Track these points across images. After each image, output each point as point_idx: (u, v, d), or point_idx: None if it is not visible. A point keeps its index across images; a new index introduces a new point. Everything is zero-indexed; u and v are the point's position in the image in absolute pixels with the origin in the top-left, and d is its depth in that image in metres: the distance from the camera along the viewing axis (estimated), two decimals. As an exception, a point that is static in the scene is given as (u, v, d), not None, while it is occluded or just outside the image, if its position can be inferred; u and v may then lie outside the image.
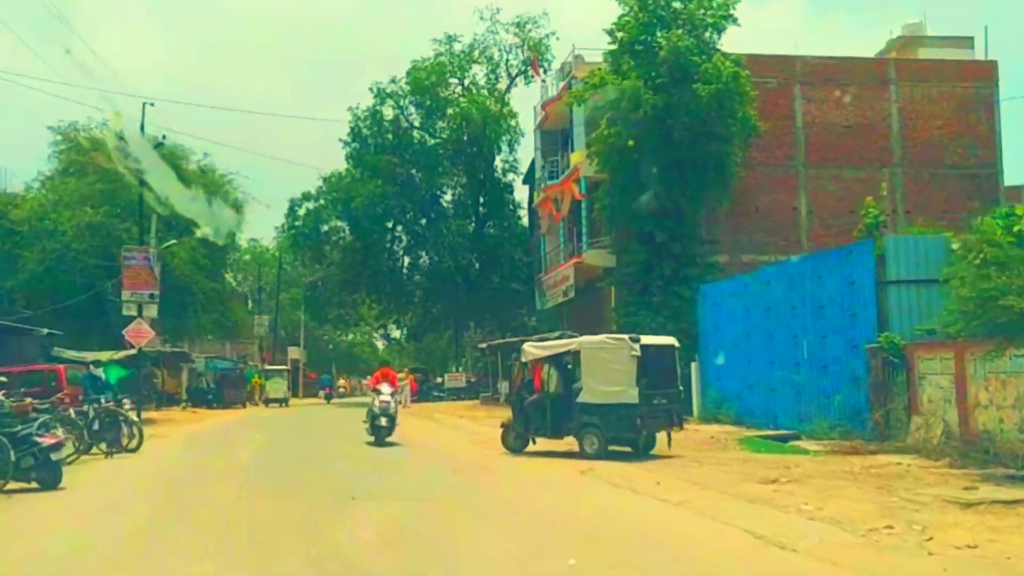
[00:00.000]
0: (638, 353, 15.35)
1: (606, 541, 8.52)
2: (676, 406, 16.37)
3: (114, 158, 35.06)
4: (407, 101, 46.89)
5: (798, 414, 19.39)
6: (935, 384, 15.52)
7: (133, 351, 33.94)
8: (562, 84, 37.94)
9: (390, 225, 47.47)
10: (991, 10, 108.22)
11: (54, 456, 12.73)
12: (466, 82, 48.24)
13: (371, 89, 46.16)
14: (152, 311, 26.54)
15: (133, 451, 18.04)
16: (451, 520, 9.72)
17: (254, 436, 23.39)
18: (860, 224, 20.98)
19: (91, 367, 20.28)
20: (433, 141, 47.83)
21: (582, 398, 15.76)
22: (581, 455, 15.54)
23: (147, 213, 35.76)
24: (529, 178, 50.02)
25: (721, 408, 22.99)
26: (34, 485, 12.62)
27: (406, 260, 48.17)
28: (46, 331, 29.63)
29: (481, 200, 47.88)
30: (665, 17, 30.09)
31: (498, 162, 49.49)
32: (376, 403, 19.95)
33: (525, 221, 50.94)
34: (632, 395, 15.22)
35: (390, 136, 46.87)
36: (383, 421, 19.68)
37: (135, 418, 19.55)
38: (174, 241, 36.93)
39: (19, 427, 12.65)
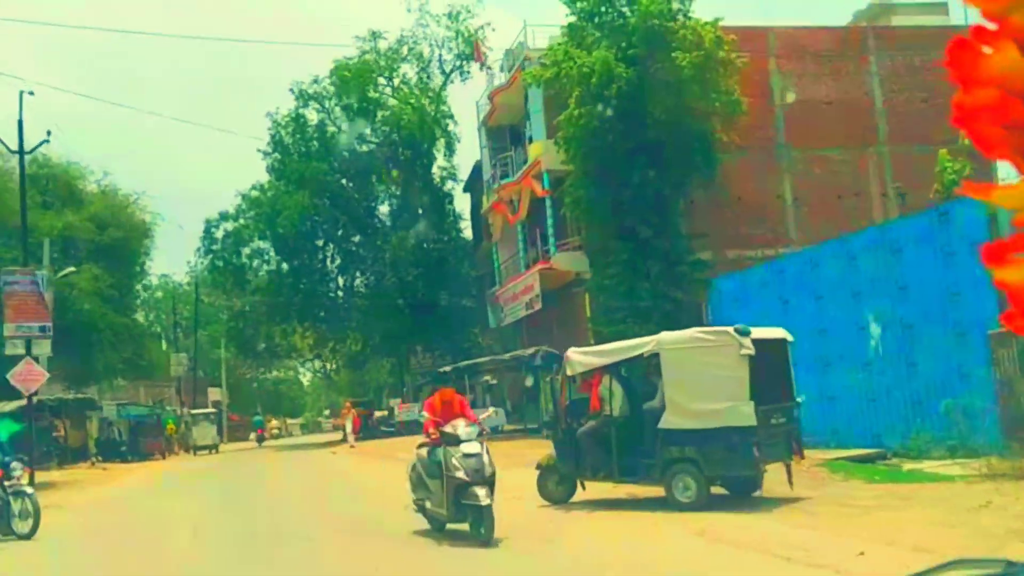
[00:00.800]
0: (751, 351, 10.63)
1: None
2: (795, 427, 11.91)
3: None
4: (332, 103, 42.28)
5: (876, 426, 15.52)
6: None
7: (23, 401, 28.89)
8: (513, 70, 33.93)
9: (320, 243, 42.61)
10: None
11: None
12: (395, 82, 43.91)
13: (291, 90, 41.50)
14: (44, 348, 21.39)
15: (27, 536, 13.06)
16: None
17: (186, 505, 16.91)
18: (935, 185, 17.28)
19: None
20: (363, 148, 43.27)
21: (667, 422, 11.08)
22: (667, 504, 11.04)
23: (38, 237, 30.51)
24: (471, 185, 45.88)
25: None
26: None
27: (340, 281, 43.23)
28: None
29: (420, 211, 43.42)
30: (627, -19, 26.44)
31: (435, 170, 45.19)
32: (453, 460, 10.33)
33: (469, 233, 46.70)
34: (745, 414, 10.54)
35: (315, 144, 42.18)
36: (481, 495, 10.04)
37: (29, 488, 14.27)
38: (72, 269, 31.66)
39: None
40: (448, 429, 10.65)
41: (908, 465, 13.30)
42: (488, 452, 10.73)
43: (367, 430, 40.69)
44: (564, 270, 31.33)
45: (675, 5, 28.02)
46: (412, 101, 43.51)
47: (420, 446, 11.09)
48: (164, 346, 59.62)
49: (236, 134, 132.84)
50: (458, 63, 42.79)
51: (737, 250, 30.07)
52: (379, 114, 43.75)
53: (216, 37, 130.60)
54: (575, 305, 31.95)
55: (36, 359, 21.20)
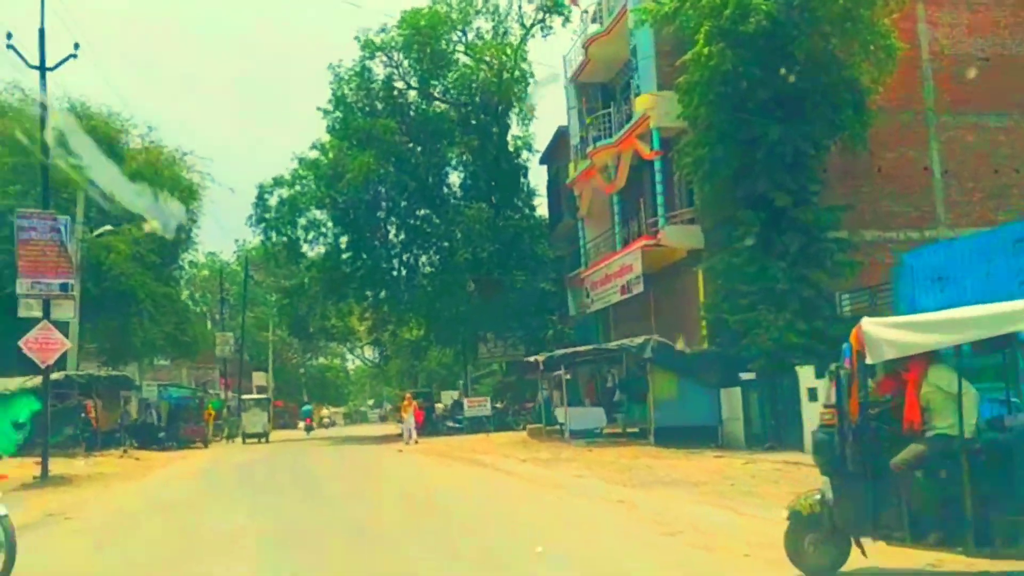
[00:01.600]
0: None
1: None
2: None
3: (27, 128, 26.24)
4: (401, 57, 38.12)
5: None
6: None
7: (56, 375, 25.32)
8: (615, 14, 29.53)
9: (382, 215, 38.53)
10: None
11: None
12: (469, 36, 39.67)
13: (357, 39, 37.33)
14: (66, 310, 17.46)
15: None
16: None
17: (236, 523, 11.66)
18: None
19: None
20: (433, 109, 39.08)
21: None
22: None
23: (70, 192, 26.82)
24: (549, 156, 41.54)
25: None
26: None
27: (404, 258, 39.10)
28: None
29: (492, 183, 39.19)
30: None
31: (508, 138, 40.91)
32: None
33: (543, 210, 42.41)
34: None
35: (380, 102, 38.05)
36: None
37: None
38: (109, 228, 27.93)
39: None
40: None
41: None
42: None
43: (431, 425, 36.62)
44: (674, 246, 26.95)
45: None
46: (487, 59, 39.27)
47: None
48: (209, 326, 56.03)
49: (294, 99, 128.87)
50: (539, 16, 38.42)
51: (876, 231, 25.76)
52: (450, 75, 39.60)
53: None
54: (683, 289, 27.58)
55: (55, 324, 17.26)
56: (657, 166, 27.14)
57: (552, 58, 77.58)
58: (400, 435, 36.25)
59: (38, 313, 17.37)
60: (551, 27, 38.71)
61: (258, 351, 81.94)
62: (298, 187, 39.50)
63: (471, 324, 37.90)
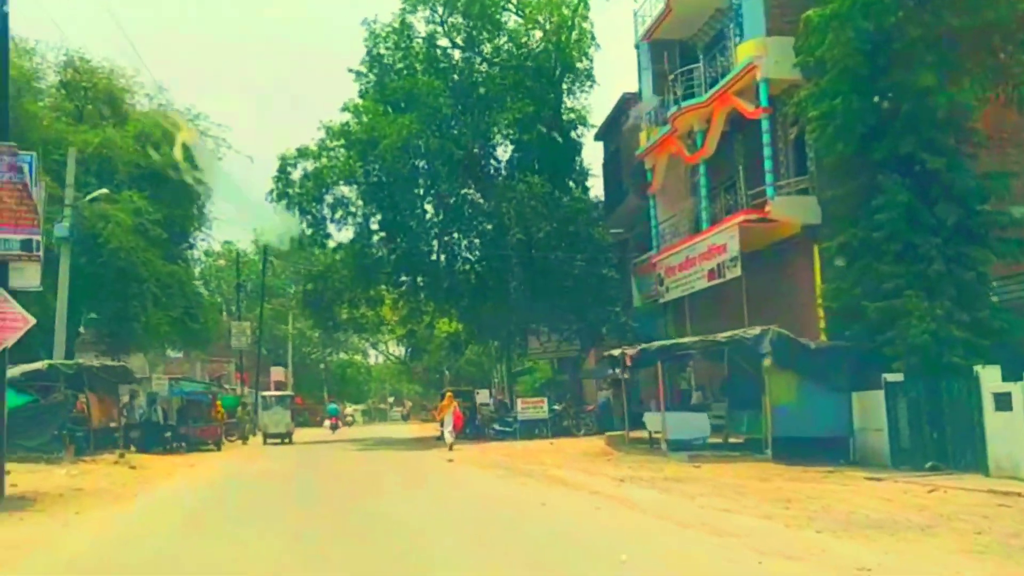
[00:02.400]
0: None
1: None
2: None
3: None
4: (445, 12, 33.74)
5: None
6: None
7: (38, 365, 21.32)
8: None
9: (420, 192, 34.16)
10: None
11: None
12: (524, -9, 35.32)
13: (395, -8, 32.93)
14: (30, 276, 13.14)
15: None
16: None
17: None
18: None
19: None
20: (480, 72, 34.69)
21: None
22: None
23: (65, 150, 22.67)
24: (607, 131, 37.18)
25: None
26: None
27: (446, 239, 34.76)
28: None
29: (544, 159, 34.76)
30: None
31: (562, 110, 36.54)
32: None
33: (598, 191, 38.09)
34: None
35: (421, 65, 33.73)
36: None
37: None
38: (105, 191, 23.78)
39: None
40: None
41: None
42: None
43: (473, 428, 32.31)
44: (784, 221, 22.49)
45: None
46: (541, 19, 34.92)
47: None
48: (224, 317, 51.79)
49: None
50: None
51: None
52: (501, 37, 35.27)
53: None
54: (792, 272, 23.23)
55: (16, 296, 13.00)
56: (764, 125, 22.68)
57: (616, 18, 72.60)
58: (439, 437, 32.24)
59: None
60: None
61: (276, 345, 78.12)
62: (325, 159, 35.25)
63: (520, 315, 33.53)
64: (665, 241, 29.75)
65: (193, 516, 12.88)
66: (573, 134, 36.18)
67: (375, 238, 35.81)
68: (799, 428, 19.00)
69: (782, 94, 22.88)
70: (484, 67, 34.69)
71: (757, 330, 19.01)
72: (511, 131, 35.00)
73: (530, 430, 29.87)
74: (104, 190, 25.06)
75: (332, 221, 36.56)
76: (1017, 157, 21.82)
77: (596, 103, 73.71)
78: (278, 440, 36.76)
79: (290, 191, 35.45)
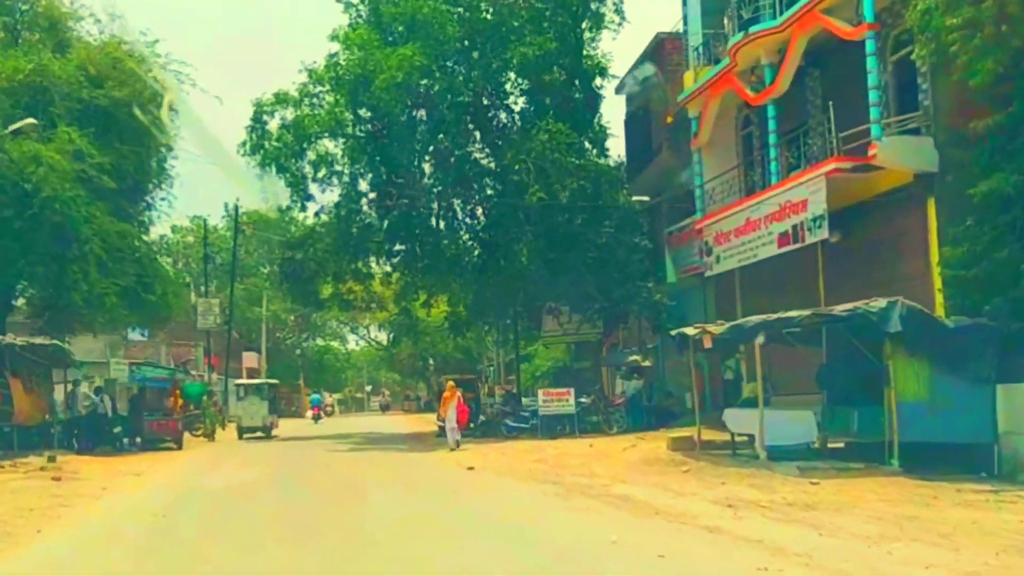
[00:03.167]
0: None
1: None
2: None
3: None
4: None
5: None
6: None
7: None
8: None
9: (419, 145, 29.35)
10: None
11: None
12: None
13: None
14: None
15: None
16: None
17: None
18: None
19: None
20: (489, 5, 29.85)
21: None
22: None
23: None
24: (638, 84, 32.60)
25: None
26: None
27: (452, 202, 30.06)
28: None
29: (559, 112, 30.06)
30: None
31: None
32: None
33: (616, 151, 33.54)
34: None
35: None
36: None
37: None
38: (31, 121, 19.11)
39: None
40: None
41: None
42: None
43: (484, 426, 27.85)
44: (891, 168, 18.04)
45: None
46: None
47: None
48: (193, 298, 46.63)
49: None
50: None
51: None
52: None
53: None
54: (891, 234, 18.86)
55: None
56: (869, 47, 18.18)
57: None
58: (439, 434, 27.88)
59: None
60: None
61: (249, 329, 73.21)
62: (307, 107, 30.44)
63: (535, 291, 28.95)
64: (713, 203, 25.30)
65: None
66: (593, 85, 31.42)
67: (364, 201, 31.12)
68: (932, 431, 14.72)
69: (882, 12, 18.53)
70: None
71: (882, 302, 14.55)
72: (524, 80, 30.30)
73: (551, 427, 25.35)
74: (30, 120, 20.28)
75: (314, 181, 31.84)
76: None
77: (618, 51, 67.45)
78: (255, 435, 32.62)
79: (266, 144, 30.62)
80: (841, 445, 16.77)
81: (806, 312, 14.89)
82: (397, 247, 31.05)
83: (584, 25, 30.82)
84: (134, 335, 52.26)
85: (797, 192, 20.30)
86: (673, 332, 17.52)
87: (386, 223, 30.88)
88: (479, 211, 30.70)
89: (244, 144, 30.61)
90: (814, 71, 21.77)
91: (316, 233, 31.59)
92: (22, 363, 20.27)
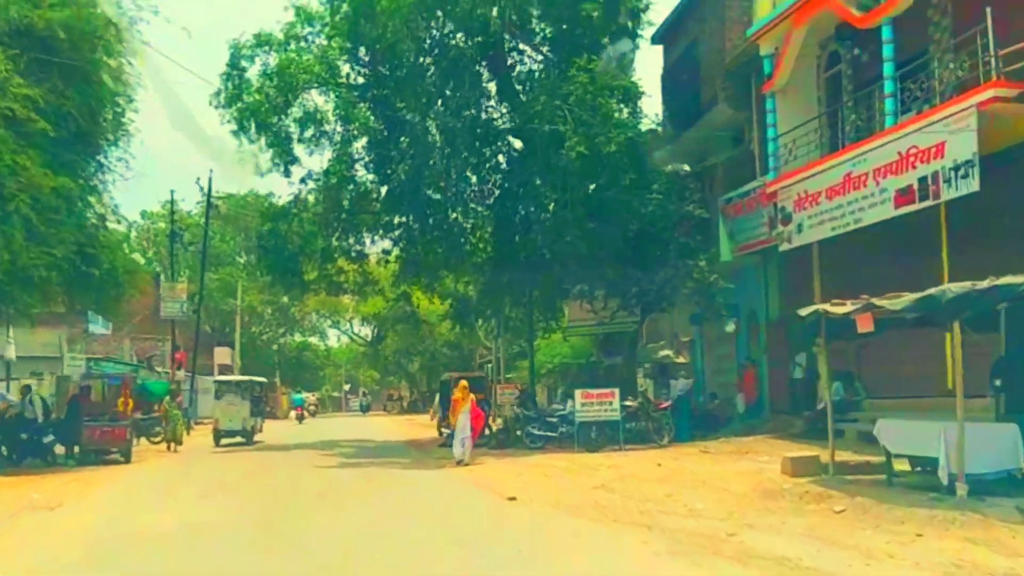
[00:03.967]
0: None
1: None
2: None
3: None
4: None
5: None
6: None
7: None
8: None
9: (424, 100, 24.47)
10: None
11: None
12: None
13: None
14: None
15: None
16: None
17: None
18: None
19: None
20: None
21: None
22: None
23: None
24: (677, 28, 28.06)
25: None
26: None
27: (468, 169, 25.18)
28: None
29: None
30: None
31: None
32: None
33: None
34: None
35: None
36: None
37: None
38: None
39: None
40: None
41: None
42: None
43: (500, 434, 23.20)
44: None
45: None
46: None
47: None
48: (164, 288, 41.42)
49: None
50: None
51: None
52: None
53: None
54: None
55: None
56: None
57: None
58: (444, 443, 23.37)
59: None
60: None
61: (222, 322, 68.18)
62: (293, 51, 25.69)
63: (562, 272, 24.29)
64: (795, 160, 20.71)
65: None
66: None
67: (359, 167, 26.40)
68: None
69: None
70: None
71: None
72: (545, 27, 25.62)
73: (593, 437, 20.56)
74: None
75: (300, 142, 27.09)
76: None
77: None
78: (235, 440, 28.65)
79: (244, 97, 25.85)
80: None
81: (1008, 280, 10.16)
82: (397, 219, 26.21)
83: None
84: (96, 328, 47.55)
85: (929, 134, 15.73)
86: (804, 312, 12.76)
87: (384, 190, 26.14)
88: (494, 178, 25.89)
89: (218, 94, 25.88)
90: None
91: (302, 201, 26.76)
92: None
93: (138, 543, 10.25)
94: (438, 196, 25.32)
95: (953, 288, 10.12)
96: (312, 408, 63.65)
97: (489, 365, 45.41)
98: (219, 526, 11.35)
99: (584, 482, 14.65)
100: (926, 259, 16.74)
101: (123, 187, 34.76)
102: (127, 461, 20.90)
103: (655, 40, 29.09)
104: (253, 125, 26.30)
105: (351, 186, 26.98)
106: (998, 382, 12.83)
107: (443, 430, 26.00)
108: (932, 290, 10.25)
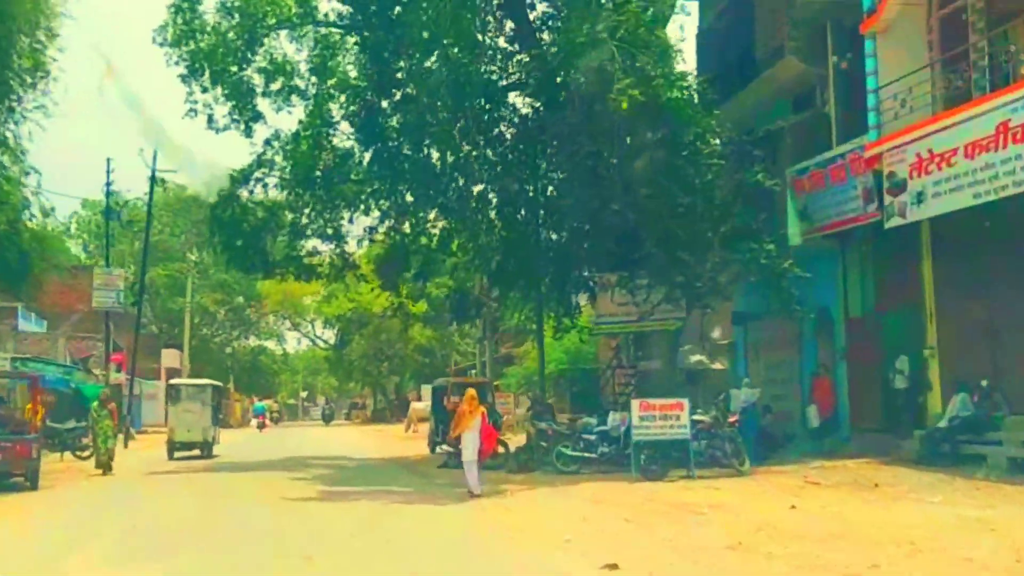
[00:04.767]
0: None
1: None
2: None
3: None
4: None
5: None
6: None
7: None
8: None
9: (426, 35, 19.55)
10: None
11: None
12: None
13: None
14: None
15: None
16: None
17: None
18: None
19: None
20: None
21: None
22: None
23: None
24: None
25: None
26: None
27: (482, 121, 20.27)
28: None
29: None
30: None
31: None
32: None
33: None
34: None
35: None
36: None
37: None
38: None
39: None
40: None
41: None
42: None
43: (521, 457, 18.53)
44: None
45: None
46: None
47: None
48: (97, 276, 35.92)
49: None
50: None
51: None
52: None
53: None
54: None
55: None
56: None
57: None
58: (451, 463, 18.92)
59: None
60: None
61: (171, 323, 62.73)
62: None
63: (594, 255, 19.68)
64: (900, 116, 16.32)
65: None
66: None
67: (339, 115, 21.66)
68: None
69: None
70: None
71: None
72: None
73: (645, 459, 15.86)
74: None
75: (265, 95, 22.29)
76: None
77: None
78: (192, 453, 25.64)
79: (198, 35, 20.99)
80: None
81: None
82: (384, 184, 21.21)
83: None
84: (28, 326, 42.36)
85: None
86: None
87: (369, 156, 21.29)
88: (508, 135, 21.09)
89: (164, 29, 20.94)
90: None
91: (267, 162, 21.82)
92: None
93: None
94: (443, 160, 20.36)
95: None
96: (276, 415, 62.76)
97: (474, 371, 40.54)
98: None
99: (698, 535, 9.94)
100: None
101: (58, 172, 29.98)
102: (33, 487, 15.77)
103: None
104: (207, 72, 21.50)
105: (327, 150, 22.21)
106: None
107: (443, 447, 21.19)
108: None
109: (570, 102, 17.87)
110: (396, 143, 20.58)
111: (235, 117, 21.79)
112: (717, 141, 18.60)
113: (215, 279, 63.72)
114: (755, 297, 20.50)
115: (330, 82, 22.54)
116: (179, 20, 21.01)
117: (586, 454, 17.45)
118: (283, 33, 22.24)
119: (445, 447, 20.94)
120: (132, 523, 12.27)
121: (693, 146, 18.21)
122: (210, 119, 21.45)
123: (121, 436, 29.60)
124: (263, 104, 22.25)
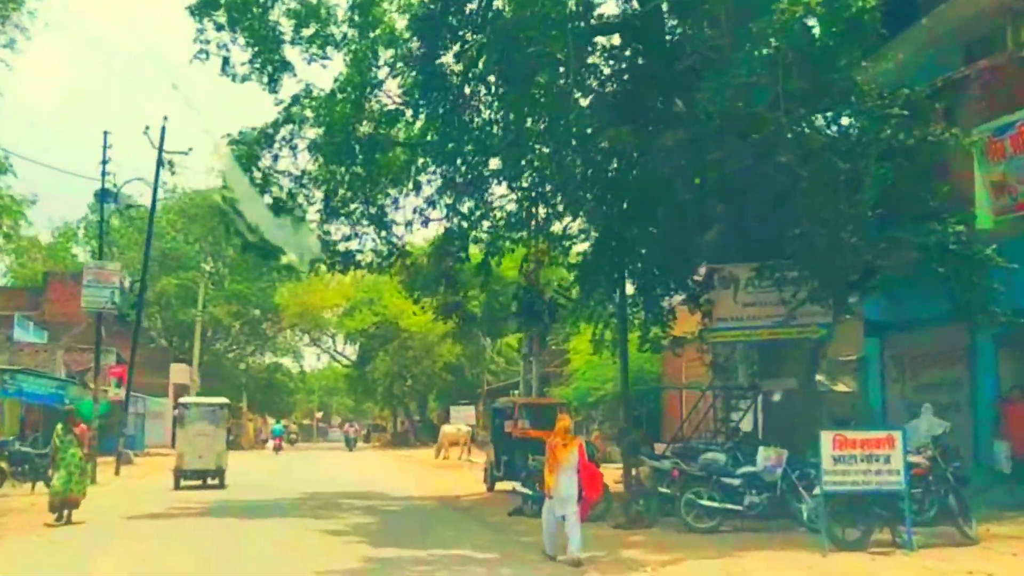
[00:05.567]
0: None
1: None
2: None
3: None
4: None
5: None
6: None
7: None
8: None
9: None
10: None
11: None
12: None
13: None
14: None
15: None
16: None
17: None
18: None
19: None
20: None
21: None
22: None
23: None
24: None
25: None
26: None
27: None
28: None
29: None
30: None
31: None
32: None
33: None
34: None
35: None
36: None
37: None
38: None
39: None
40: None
41: None
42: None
43: (635, 506, 13.89)
44: None
45: None
46: None
47: None
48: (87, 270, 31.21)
49: None
50: None
51: None
52: None
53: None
54: None
55: None
56: None
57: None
58: (524, 510, 14.45)
59: None
60: None
61: (181, 336, 58.83)
62: None
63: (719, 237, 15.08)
64: None
65: None
66: None
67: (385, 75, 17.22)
68: None
69: None
70: None
71: None
72: None
73: (840, 515, 11.13)
74: None
75: (295, 43, 17.87)
76: None
77: None
78: (200, 482, 22.86)
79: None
80: None
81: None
82: (448, 145, 16.61)
83: None
84: (25, 336, 38.34)
85: None
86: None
87: (422, 112, 16.83)
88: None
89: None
90: None
91: (297, 117, 17.32)
92: None
93: None
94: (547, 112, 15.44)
95: None
96: (293, 436, 61.25)
97: (516, 392, 35.85)
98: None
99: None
100: None
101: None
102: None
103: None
104: (224, 10, 17.14)
105: (368, 117, 17.74)
106: None
107: (516, 487, 16.46)
108: None
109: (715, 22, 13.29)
110: (459, 95, 16.03)
111: (256, 67, 17.37)
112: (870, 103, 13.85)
113: (230, 290, 59.87)
114: (905, 298, 15.90)
115: (373, 33, 18.06)
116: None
117: (728, 505, 12.75)
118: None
119: (517, 487, 16.27)
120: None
121: (860, 91, 13.62)
122: (225, 63, 17.08)
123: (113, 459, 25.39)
124: (292, 53, 17.87)
